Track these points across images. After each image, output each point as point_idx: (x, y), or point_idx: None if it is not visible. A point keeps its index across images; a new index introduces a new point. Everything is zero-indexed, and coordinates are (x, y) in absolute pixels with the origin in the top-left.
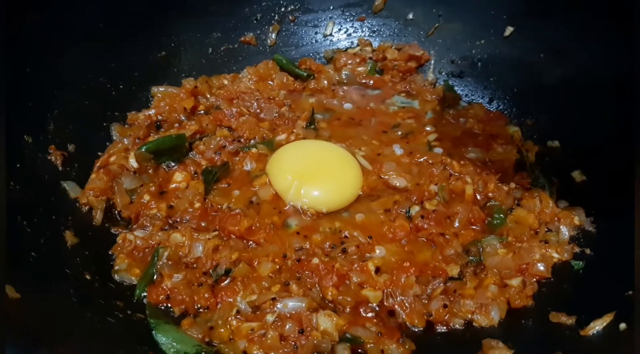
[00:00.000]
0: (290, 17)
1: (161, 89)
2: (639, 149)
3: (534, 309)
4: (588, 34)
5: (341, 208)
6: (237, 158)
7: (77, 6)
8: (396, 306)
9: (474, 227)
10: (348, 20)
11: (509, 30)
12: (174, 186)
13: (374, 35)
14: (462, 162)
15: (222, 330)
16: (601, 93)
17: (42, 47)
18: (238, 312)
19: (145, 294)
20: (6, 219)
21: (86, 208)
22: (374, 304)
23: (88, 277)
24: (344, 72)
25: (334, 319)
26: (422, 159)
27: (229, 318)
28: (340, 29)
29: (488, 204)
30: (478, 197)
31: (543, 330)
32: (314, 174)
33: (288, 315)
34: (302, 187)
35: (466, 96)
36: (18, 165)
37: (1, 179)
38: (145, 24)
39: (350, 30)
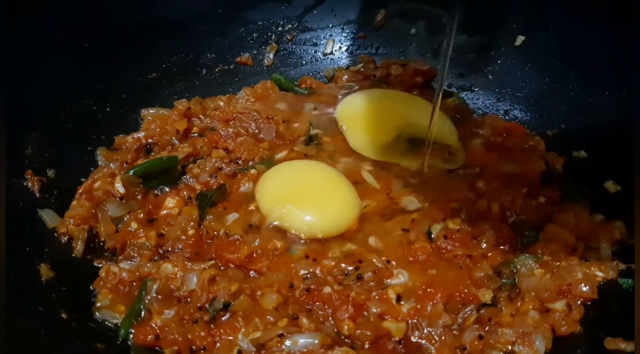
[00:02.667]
0: (288, 37)
1: (152, 111)
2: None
3: (583, 336)
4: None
5: (340, 233)
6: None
7: (56, 23)
8: (423, 340)
9: (502, 247)
10: (349, 37)
11: (520, 39)
12: (165, 212)
13: (376, 52)
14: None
15: None
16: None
17: (20, 64)
18: (240, 352)
19: (131, 334)
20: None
21: (65, 238)
22: (397, 338)
23: (64, 315)
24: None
25: None
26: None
27: None
28: (341, 47)
29: (516, 221)
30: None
31: None
32: (300, 198)
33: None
34: (287, 212)
35: (479, 109)
36: None
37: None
38: (134, 44)
39: (352, 48)
